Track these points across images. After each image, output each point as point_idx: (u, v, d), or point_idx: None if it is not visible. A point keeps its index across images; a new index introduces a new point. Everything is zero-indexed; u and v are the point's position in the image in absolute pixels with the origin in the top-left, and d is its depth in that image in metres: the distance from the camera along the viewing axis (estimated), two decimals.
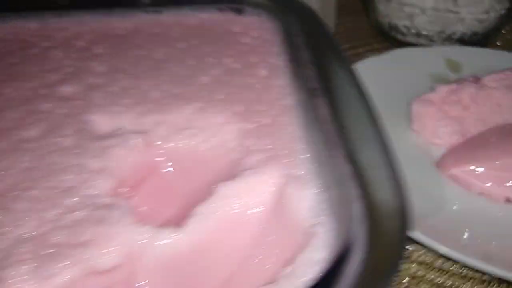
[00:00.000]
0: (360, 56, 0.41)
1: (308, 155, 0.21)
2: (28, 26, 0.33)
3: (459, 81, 0.32)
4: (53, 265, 0.18)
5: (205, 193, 0.22)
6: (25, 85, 0.28)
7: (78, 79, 0.28)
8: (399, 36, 0.42)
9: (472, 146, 0.28)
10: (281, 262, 0.19)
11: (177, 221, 0.21)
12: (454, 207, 0.26)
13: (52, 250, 0.18)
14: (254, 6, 0.33)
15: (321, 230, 0.18)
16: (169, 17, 0.34)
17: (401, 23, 0.41)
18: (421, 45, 0.41)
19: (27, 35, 0.33)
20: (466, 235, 0.24)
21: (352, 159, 0.19)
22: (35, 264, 0.17)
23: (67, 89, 0.27)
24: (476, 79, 0.31)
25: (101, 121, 0.25)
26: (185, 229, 0.20)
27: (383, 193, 0.17)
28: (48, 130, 0.24)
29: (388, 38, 0.43)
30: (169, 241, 0.20)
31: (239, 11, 0.33)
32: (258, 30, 0.32)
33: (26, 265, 0.17)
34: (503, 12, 0.39)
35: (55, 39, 0.32)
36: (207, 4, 0.34)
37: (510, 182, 0.25)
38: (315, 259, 0.17)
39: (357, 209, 0.17)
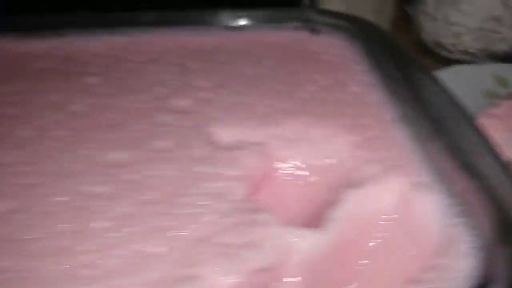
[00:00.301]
0: None
1: (427, 164, 0.24)
2: (118, 40, 0.36)
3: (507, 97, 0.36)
4: (229, 264, 0.20)
5: (327, 199, 0.25)
6: (138, 98, 0.30)
7: (186, 93, 0.30)
8: (444, 53, 0.46)
9: None
10: (416, 265, 0.22)
11: (307, 222, 0.24)
12: None
13: (224, 250, 0.21)
14: (328, 26, 0.36)
15: (458, 235, 0.21)
16: (249, 35, 0.37)
17: (447, 41, 0.45)
18: (464, 61, 0.44)
19: (118, 50, 0.35)
20: None
21: (470, 168, 0.22)
22: (217, 262, 0.20)
23: (180, 103, 0.29)
24: None
25: (222, 133, 0.27)
26: (324, 230, 0.23)
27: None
28: (178, 141, 0.26)
29: (432, 55, 0.47)
30: (312, 240, 0.22)
31: (314, 31, 0.36)
32: (337, 48, 0.35)
33: (209, 264, 0.20)
34: None
35: (147, 54, 0.35)
36: (285, 23, 0.37)
37: None
38: (458, 265, 0.20)
39: (489, 216, 0.20)
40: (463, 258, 0.20)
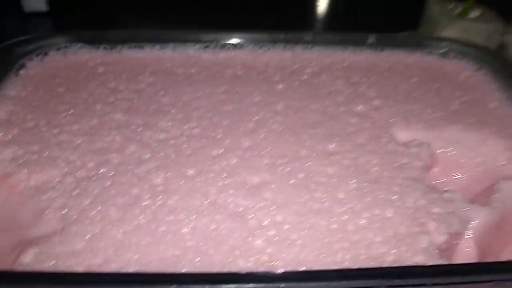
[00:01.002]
0: None
1: None
2: (286, 55, 0.44)
3: None
4: (440, 226, 0.28)
5: (486, 187, 0.33)
6: (323, 103, 0.37)
7: (362, 100, 0.37)
8: None
9: None
10: None
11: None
12: None
13: (434, 217, 0.28)
14: (454, 51, 0.44)
15: None
16: (390, 55, 0.44)
17: None
18: None
19: (289, 62, 0.43)
20: None
21: None
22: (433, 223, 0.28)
23: (360, 108, 0.37)
24: None
25: (399, 134, 0.35)
26: (491, 208, 0.30)
27: None
28: (370, 137, 0.34)
29: None
30: (484, 214, 0.30)
31: (444, 55, 0.44)
32: (467, 71, 0.42)
33: (429, 224, 0.28)
34: None
35: (314, 67, 0.42)
36: (420, 46, 0.44)
37: None
38: None
39: None
40: None
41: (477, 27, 0.48)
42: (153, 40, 0.43)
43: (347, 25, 0.60)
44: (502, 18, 0.54)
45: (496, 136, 0.35)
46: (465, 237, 0.30)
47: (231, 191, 0.29)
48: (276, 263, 0.24)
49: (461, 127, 0.36)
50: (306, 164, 0.31)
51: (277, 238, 0.26)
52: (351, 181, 0.30)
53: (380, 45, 0.44)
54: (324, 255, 0.25)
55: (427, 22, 0.51)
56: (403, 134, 0.35)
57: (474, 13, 0.50)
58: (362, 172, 0.31)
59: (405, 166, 0.32)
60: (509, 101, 0.38)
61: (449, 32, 0.49)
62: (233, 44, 0.43)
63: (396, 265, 0.23)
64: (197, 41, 0.43)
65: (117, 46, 0.42)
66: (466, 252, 0.30)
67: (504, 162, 0.33)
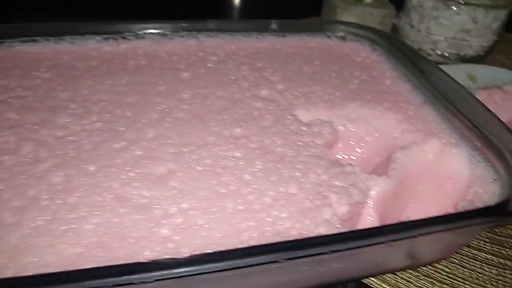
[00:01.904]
0: None
1: (452, 130, 0.35)
2: (191, 43, 0.43)
3: (484, 88, 0.49)
4: (342, 197, 0.29)
5: (385, 159, 0.35)
6: (228, 89, 0.38)
7: (267, 85, 0.39)
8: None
9: None
10: (457, 194, 0.32)
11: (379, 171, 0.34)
12: None
13: (336, 190, 0.30)
14: (352, 34, 0.47)
15: (480, 173, 0.32)
16: (293, 40, 0.46)
17: (427, 47, 0.57)
18: (441, 63, 0.57)
19: (194, 50, 0.43)
20: None
21: (481, 129, 0.33)
22: (335, 196, 0.29)
23: (265, 92, 0.38)
24: (496, 86, 0.48)
25: (302, 115, 0.36)
26: (389, 177, 0.33)
27: None
28: (274, 120, 0.35)
29: None
30: (382, 184, 0.32)
31: (343, 38, 0.46)
32: (364, 52, 0.45)
33: (331, 197, 0.29)
34: (494, 42, 0.57)
35: (219, 55, 0.42)
36: (320, 31, 0.46)
37: None
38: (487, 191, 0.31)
39: (499, 159, 0.31)
40: (487, 186, 0.31)
41: (372, 11, 0.51)
42: (49, 34, 0.40)
43: (254, 14, 0.61)
44: (393, 4, 0.59)
45: (390, 111, 0.37)
46: (367, 206, 0.32)
47: (136, 183, 0.28)
48: (183, 249, 0.24)
49: (359, 105, 0.38)
50: (213, 150, 0.31)
51: (183, 225, 0.26)
52: (257, 162, 0.31)
53: (283, 31, 0.46)
54: (231, 236, 0.25)
55: (326, 8, 0.53)
56: (306, 115, 0.36)
57: (369, 0, 0.54)
58: (267, 153, 0.32)
59: (308, 144, 0.33)
60: (401, 78, 0.41)
61: (347, 17, 0.52)
62: (135, 34, 0.42)
63: (298, 238, 0.24)
64: (96, 32, 0.41)
65: (7, 41, 0.39)
66: (368, 220, 0.32)
67: (397, 135, 0.36)
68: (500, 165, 0.31)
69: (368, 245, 0.23)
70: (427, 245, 0.28)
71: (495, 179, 0.31)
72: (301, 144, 0.33)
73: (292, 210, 0.27)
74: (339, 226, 0.27)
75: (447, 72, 0.53)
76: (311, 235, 0.25)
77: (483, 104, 0.35)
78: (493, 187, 0.31)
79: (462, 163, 0.33)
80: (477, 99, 0.36)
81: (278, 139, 0.33)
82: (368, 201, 0.32)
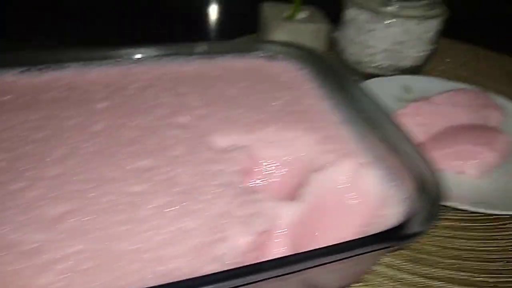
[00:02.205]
0: None
1: (367, 150, 0.35)
2: (113, 71, 0.43)
3: (417, 100, 0.49)
4: (244, 228, 0.29)
5: (302, 181, 0.35)
6: (146, 118, 0.37)
7: (186, 111, 0.38)
8: (362, 69, 0.59)
9: (434, 140, 0.44)
10: (368, 215, 0.32)
11: (288, 197, 0.34)
12: None
13: (239, 220, 0.29)
14: (282, 54, 0.46)
15: (391, 193, 0.32)
16: (221, 62, 0.45)
17: (364, 59, 0.57)
18: (378, 75, 0.58)
19: (115, 79, 0.42)
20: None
21: (396, 150, 0.33)
22: (236, 228, 0.29)
23: (182, 119, 0.37)
24: (426, 98, 0.49)
25: (219, 141, 0.36)
26: (300, 201, 0.32)
27: (424, 170, 0.31)
28: (187, 149, 0.34)
29: (353, 70, 0.60)
30: (292, 209, 0.32)
31: (270, 58, 0.46)
32: (291, 71, 0.45)
33: (232, 229, 0.28)
34: (431, 51, 0.58)
35: (141, 81, 0.42)
36: (250, 51, 0.46)
37: (460, 162, 0.42)
38: (394, 210, 0.31)
39: (410, 179, 0.31)
40: (396, 206, 0.31)
41: (304, 28, 0.51)
42: None
43: (193, 34, 0.60)
44: (329, 18, 0.59)
45: (308, 132, 0.37)
46: (279, 233, 0.31)
47: (27, 227, 0.27)
48: None
49: (278, 127, 0.38)
50: (116, 186, 0.30)
51: (70, 269, 0.25)
52: (160, 197, 0.30)
53: (210, 53, 0.45)
54: (118, 278, 0.24)
55: (261, 26, 0.53)
56: (223, 141, 0.36)
57: (302, 15, 0.54)
58: (173, 185, 0.31)
59: (219, 172, 0.33)
60: (324, 97, 0.41)
61: (279, 34, 0.52)
62: (55, 64, 0.41)
63: (188, 277, 0.24)
64: (14, 64, 0.41)
65: None
66: (278, 248, 0.31)
67: (314, 156, 0.36)
68: (410, 185, 0.31)
69: (248, 283, 0.22)
70: (323, 274, 0.28)
71: (404, 200, 0.31)
72: (211, 172, 0.32)
73: (186, 248, 0.27)
74: (237, 260, 0.27)
75: (383, 84, 0.53)
76: (198, 274, 0.24)
77: (397, 123, 0.35)
78: (402, 208, 0.30)
79: (374, 183, 0.33)
80: (391, 117, 0.36)
81: (188, 169, 0.32)
82: (280, 228, 0.31)
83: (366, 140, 0.36)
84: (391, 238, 0.26)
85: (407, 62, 0.57)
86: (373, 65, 0.57)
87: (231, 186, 0.32)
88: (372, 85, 0.53)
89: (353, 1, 0.57)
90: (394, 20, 0.54)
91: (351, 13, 0.56)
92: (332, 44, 0.60)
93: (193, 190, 0.31)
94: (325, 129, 0.38)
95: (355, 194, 0.33)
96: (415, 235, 0.27)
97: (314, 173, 0.34)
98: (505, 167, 0.44)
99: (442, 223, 0.43)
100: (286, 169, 0.36)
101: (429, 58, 0.59)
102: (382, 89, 0.53)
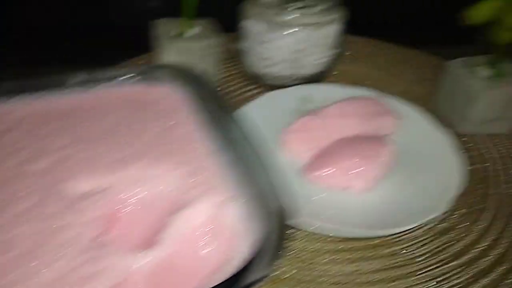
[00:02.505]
0: (243, 96, 0.57)
1: (230, 185, 0.34)
2: None
3: (308, 113, 0.48)
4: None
5: (163, 223, 0.33)
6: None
7: (45, 155, 0.36)
8: (262, 81, 0.58)
9: (322, 157, 0.44)
10: (226, 255, 0.31)
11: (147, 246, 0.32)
12: (313, 198, 0.42)
13: (83, 281, 0.28)
14: (163, 78, 0.44)
15: (245, 231, 0.31)
16: (98, 93, 0.43)
17: (263, 71, 0.56)
18: (278, 85, 0.56)
19: None
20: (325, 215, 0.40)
21: (255, 184, 0.32)
22: None
23: (39, 165, 0.35)
24: (318, 111, 0.48)
25: (76, 186, 0.34)
26: (156, 249, 0.31)
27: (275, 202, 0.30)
28: (37, 201, 0.32)
29: (256, 82, 0.59)
30: (147, 259, 0.30)
31: (151, 83, 0.44)
32: (169, 96, 0.43)
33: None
34: (333, 56, 0.57)
35: (5, 123, 0.39)
36: (130, 78, 0.44)
37: (345, 177, 0.42)
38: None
39: (268, 216, 0.30)
40: (248, 245, 0.30)
41: (194, 45, 0.50)
42: None
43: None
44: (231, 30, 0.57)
45: (176, 166, 0.36)
46: (134, 285, 0.30)
47: None
48: None
49: (145, 163, 0.36)
50: None
51: None
52: None
53: (88, 83, 0.43)
54: None
55: (155, 45, 0.51)
56: (79, 186, 0.34)
57: (192, 32, 0.52)
58: (8, 248, 0.29)
59: (67, 226, 0.31)
60: (197, 126, 0.39)
61: (168, 54, 0.50)
62: None
63: None
64: None
65: None
66: None
67: (178, 194, 0.34)
68: (264, 221, 0.30)
69: None
70: None
71: (257, 238, 0.30)
72: (58, 227, 0.31)
73: None
74: None
75: (281, 96, 0.52)
76: None
77: (260, 155, 0.34)
78: (254, 247, 0.29)
79: (231, 221, 0.32)
80: (256, 146, 0.35)
81: (31, 226, 0.30)
82: (132, 282, 0.30)
83: (232, 173, 0.34)
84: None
85: (308, 70, 0.56)
86: (273, 76, 0.56)
87: (78, 241, 0.30)
88: (271, 97, 0.52)
89: (248, 12, 0.55)
90: (290, 30, 0.53)
91: (246, 24, 0.55)
92: (235, 57, 0.58)
93: (31, 252, 0.29)
94: (193, 162, 0.36)
95: (211, 236, 0.32)
96: (259, 279, 0.26)
97: (174, 215, 0.32)
98: (392, 178, 0.44)
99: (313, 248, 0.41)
100: (147, 211, 0.35)
101: (333, 63, 0.58)
102: (279, 102, 0.52)
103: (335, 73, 0.62)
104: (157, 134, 0.39)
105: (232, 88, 0.59)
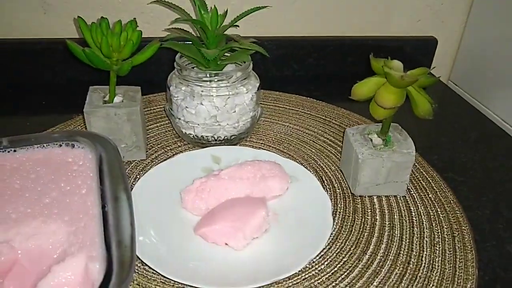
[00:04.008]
0: (171, 152, 0.64)
1: (99, 243, 0.41)
2: None
3: (208, 175, 0.55)
4: None
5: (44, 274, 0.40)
6: None
7: None
8: (187, 140, 0.65)
9: (209, 216, 0.50)
10: None
11: None
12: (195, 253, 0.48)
13: None
14: (80, 141, 0.52)
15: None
16: (22, 154, 0.51)
17: (188, 131, 0.64)
18: (201, 144, 0.64)
19: None
20: (195, 268, 0.46)
21: (119, 242, 0.39)
22: None
23: None
24: (217, 172, 0.55)
25: None
26: None
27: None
28: None
29: (185, 140, 0.67)
30: None
31: (72, 146, 0.52)
32: (83, 159, 0.51)
33: None
34: (250, 119, 0.64)
35: None
36: (50, 141, 0.52)
37: (224, 236, 0.48)
38: None
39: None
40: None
41: (115, 112, 0.58)
42: None
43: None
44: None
45: (65, 225, 0.43)
46: None
47: None
48: None
49: (41, 221, 0.43)
50: None
51: None
52: None
53: (13, 146, 0.51)
54: None
55: (86, 111, 0.58)
56: None
57: (117, 99, 0.60)
58: None
59: None
60: (95, 187, 0.47)
61: (94, 119, 0.58)
62: None
63: None
64: None
65: None
66: None
67: (61, 250, 0.41)
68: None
69: None
70: None
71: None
72: None
73: None
74: None
75: (196, 155, 0.59)
76: None
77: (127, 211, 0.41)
78: None
79: (94, 272, 0.38)
80: (128, 207, 0.42)
81: None
82: None
83: (106, 234, 0.41)
84: None
85: (225, 133, 0.63)
86: (195, 136, 0.63)
87: None
88: (185, 157, 0.60)
89: (171, 80, 0.64)
90: (203, 98, 0.60)
91: (171, 91, 0.63)
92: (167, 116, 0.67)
93: None
94: (81, 221, 0.43)
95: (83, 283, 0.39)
96: None
97: (54, 266, 0.39)
98: (267, 237, 0.50)
99: None
100: (34, 264, 0.42)
101: (251, 125, 0.66)
102: (193, 161, 0.59)
103: (256, 131, 0.70)
104: (63, 194, 0.46)
105: (162, 144, 0.67)
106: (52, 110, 0.77)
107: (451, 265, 0.50)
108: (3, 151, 0.51)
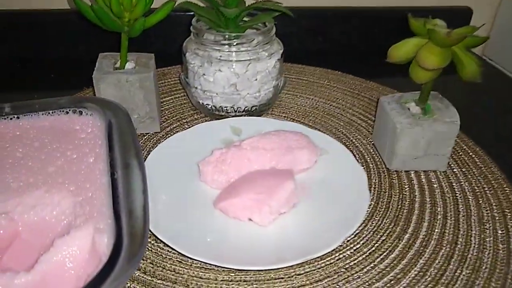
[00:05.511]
0: (187, 125, 0.59)
1: (107, 214, 0.36)
2: None
3: (228, 146, 0.50)
4: None
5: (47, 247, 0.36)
6: None
7: None
8: (204, 111, 0.60)
9: (231, 189, 0.45)
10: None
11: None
12: (214, 229, 0.43)
13: None
14: (88, 108, 0.48)
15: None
16: (26, 121, 0.47)
17: (205, 102, 0.59)
18: (219, 115, 0.59)
19: None
20: (215, 245, 0.41)
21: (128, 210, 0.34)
22: None
23: None
24: (239, 143, 0.50)
25: None
26: (34, 271, 0.33)
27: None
28: None
29: (201, 112, 0.61)
30: (22, 280, 0.33)
31: (80, 112, 0.48)
32: (91, 126, 0.46)
33: None
34: (273, 88, 0.59)
35: None
36: (56, 108, 0.47)
37: (247, 210, 0.43)
38: None
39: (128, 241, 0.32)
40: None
41: (127, 78, 0.53)
42: None
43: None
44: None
45: (72, 194, 0.39)
46: None
47: None
48: None
49: (44, 190, 0.39)
50: None
51: None
52: None
53: (16, 113, 0.47)
54: None
55: (95, 78, 0.54)
56: None
57: (129, 65, 0.55)
58: None
59: None
60: (104, 154, 0.42)
61: (104, 87, 0.53)
62: None
63: None
64: None
65: None
66: None
67: (67, 221, 0.37)
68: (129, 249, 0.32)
69: None
70: None
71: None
72: None
73: None
74: None
75: (213, 127, 0.55)
76: None
77: (141, 181, 0.36)
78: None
79: (101, 246, 0.34)
80: (142, 177, 0.37)
81: None
82: None
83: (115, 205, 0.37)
84: None
85: (245, 103, 0.58)
86: (214, 106, 0.58)
87: None
88: (202, 128, 0.55)
89: (187, 46, 0.58)
90: (221, 64, 0.55)
91: (187, 58, 0.58)
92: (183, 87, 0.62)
93: None
94: (88, 191, 0.39)
95: (90, 255, 0.34)
96: None
97: (57, 240, 0.35)
98: (296, 212, 0.45)
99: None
100: (37, 236, 0.37)
101: (274, 96, 0.60)
102: (212, 132, 0.54)
103: (279, 104, 0.65)
104: (69, 162, 0.42)
105: (178, 117, 0.62)
106: (61, 85, 0.73)
107: (505, 245, 0.44)
108: (5, 118, 0.47)
